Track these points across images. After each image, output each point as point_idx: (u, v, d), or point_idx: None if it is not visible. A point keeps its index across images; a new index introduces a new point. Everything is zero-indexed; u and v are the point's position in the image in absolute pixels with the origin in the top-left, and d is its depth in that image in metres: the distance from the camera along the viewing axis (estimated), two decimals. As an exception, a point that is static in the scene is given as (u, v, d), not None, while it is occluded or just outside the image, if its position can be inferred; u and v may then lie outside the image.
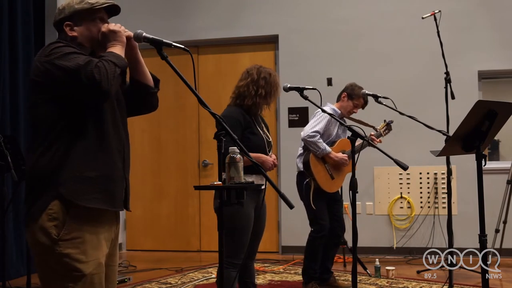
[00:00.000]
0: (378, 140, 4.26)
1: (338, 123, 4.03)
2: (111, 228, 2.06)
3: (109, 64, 1.87)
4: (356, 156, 2.94)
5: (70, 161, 1.90)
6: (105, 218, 2.01)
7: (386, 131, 4.42)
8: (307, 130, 4.05)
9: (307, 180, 4.07)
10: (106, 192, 1.97)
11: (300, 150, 4.19)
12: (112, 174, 2.00)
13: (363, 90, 4.02)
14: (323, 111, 3.32)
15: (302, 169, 4.10)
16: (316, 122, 4.07)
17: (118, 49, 1.99)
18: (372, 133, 4.30)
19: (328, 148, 4.03)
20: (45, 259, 1.91)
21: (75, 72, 1.83)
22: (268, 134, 3.23)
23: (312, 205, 4.02)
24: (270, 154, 3.14)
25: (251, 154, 2.89)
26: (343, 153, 4.12)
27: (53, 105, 1.92)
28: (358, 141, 3.12)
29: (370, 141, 3.27)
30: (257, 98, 3.07)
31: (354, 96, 4.21)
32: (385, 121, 4.45)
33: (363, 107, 4.30)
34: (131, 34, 2.06)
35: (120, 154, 2.06)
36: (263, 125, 3.22)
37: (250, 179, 2.86)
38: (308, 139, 4.01)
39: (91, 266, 1.91)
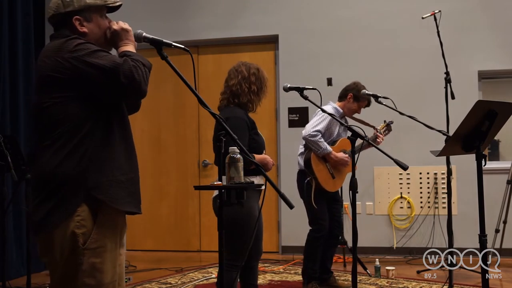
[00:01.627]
0: (382, 137, 4.24)
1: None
2: (123, 231, 2.02)
3: (140, 64, 1.83)
4: (356, 156, 2.95)
5: (101, 163, 1.83)
6: (122, 222, 1.97)
7: (386, 131, 4.42)
8: (308, 129, 4.04)
9: (308, 179, 4.06)
10: (134, 195, 1.96)
11: (301, 149, 4.19)
12: (136, 176, 1.99)
13: (363, 90, 4.01)
14: (323, 111, 3.31)
15: (303, 168, 4.10)
16: (318, 121, 4.06)
17: (131, 48, 1.96)
18: (378, 128, 4.29)
19: (329, 148, 4.03)
20: (65, 267, 1.82)
21: (113, 71, 1.77)
22: None
23: (314, 205, 4.01)
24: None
25: (257, 156, 2.92)
26: (343, 153, 4.12)
27: (78, 104, 1.82)
28: (359, 141, 3.11)
29: (370, 141, 3.25)
30: (251, 95, 3.05)
31: (360, 98, 4.20)
32: (385, 121, 4.45)
33: (364, 107, 4.31)
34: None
35: (136, 155, 2.05)
36: None
37: (255, 180, 2.87)
38: (309, 138, 4.00)
39: (109, 275, 1.87)
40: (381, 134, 4.30)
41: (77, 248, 1.79)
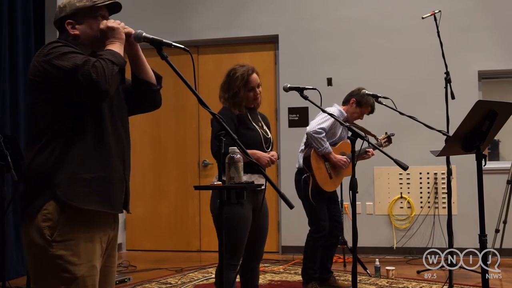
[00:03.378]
0: (371, 152, 4.25)
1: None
2: (107, 230, 2.02)
3: (106, 62, 1.84)
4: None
5: (66, 162, 1.88)
6: (101, 220, 1.98)
7: (387, 143, 4.44)
8: (313, 125, 4.05)
9: (305, 175, 4.07)
10: (103, 194, 1.94)
11: (302, 146, 4.20)
12: (109, 175, 1.97)
13: (363, 90, 4.01)
14: (323, 111, 3.31)
15: (302, 166, 4.11)
16: (323, 120, 4.06)
17: (116, 47, 1.96)
18: (379, 138, 4.32)
19: (329, 148, 4.04)
20: (38, 259, 1.89)
21: (72, 72, 1.81)
22: (268, 131, 3.22)
23: (311, 200, 4.02)
24: (269, 151, 3.12)
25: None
26: (343, 156, 4.13)
27: (52, 105, 1.90)
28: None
29: (370, 143, 3.25)
30: (228, 101, 3.15)
31: (363, 105, 4.21)
32: (386, 133, 4.46)
33: (368, 114, 4.32)
34: (132, 30, 2.03)
35: (120, 156, 2.03)
36: (260, 119, 3.23)
37: (249, 178, 2.87)
38: (313, 134, 4.01)
39: (83, 268, 1.89)
40: (381, 145, 4.31)
41: (45, 240, 1.86)
